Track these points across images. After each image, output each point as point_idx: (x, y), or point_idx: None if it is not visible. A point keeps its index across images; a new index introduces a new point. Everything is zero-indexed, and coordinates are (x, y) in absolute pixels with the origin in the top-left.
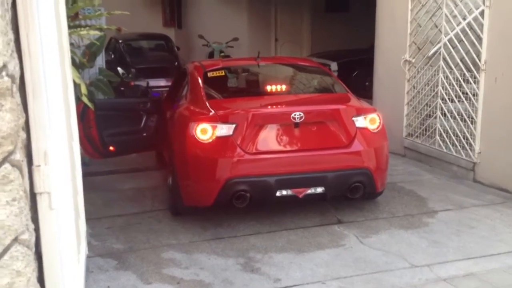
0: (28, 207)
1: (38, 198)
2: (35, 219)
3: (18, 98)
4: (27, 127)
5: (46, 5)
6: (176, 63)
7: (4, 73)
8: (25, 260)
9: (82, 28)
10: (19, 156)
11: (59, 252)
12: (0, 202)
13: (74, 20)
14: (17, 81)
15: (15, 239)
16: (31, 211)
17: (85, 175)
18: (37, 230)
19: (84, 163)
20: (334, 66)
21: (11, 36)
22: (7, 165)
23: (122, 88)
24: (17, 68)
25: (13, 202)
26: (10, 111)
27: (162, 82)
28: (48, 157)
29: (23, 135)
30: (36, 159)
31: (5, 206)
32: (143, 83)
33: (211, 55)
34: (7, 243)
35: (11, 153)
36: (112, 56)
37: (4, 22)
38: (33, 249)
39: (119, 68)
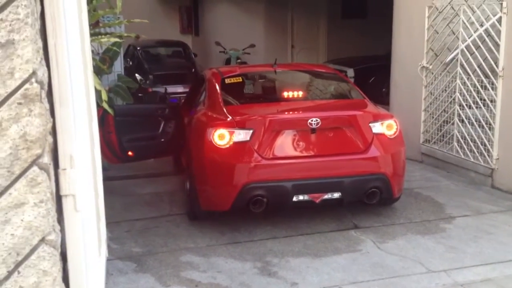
0: (54, 209)
1: (64, 200)
2: (59, 221)
3: (46, 104)
4: (53, 132)
5: (72, 14)
6: (193, 69)
7: (33, 80)
8: (51, 260)
9: (103, 36)
10: (46, 159)
11: (84, 253)
12: (28, 203)
13: (95, 27)
14: (46, 87)
15: (42, 240)
16: (57, 213)
17: (104, 179)
18: (61, 231)
19: (103, 168)
20: (350, 72)
21: (40, 44)
22: (35, 168)
23: (140, 95)
24: (46, 75)
25: (40, 204)
26: (39, 116)
27: (179, 89)
28: (74, 160)
29: (50, 139)
30: (62, 163)
31: (33, 207)
32: (161, 89)
33: (228, 62)
34: (35, 244)
35: (39, 156)
36: (131, 63)
37: (34, 31)
38: (59, 250)
39: (137, 75)
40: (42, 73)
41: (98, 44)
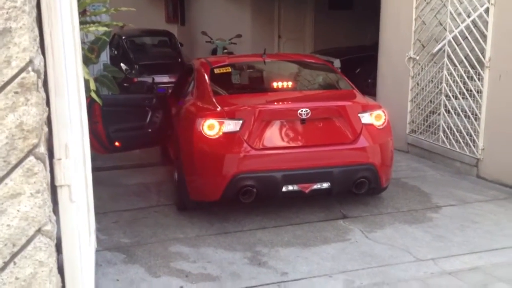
0: (50, 199)
1: (59, 190)
2: (54, 211)
3: (43, 93)
4: (48, 121)
5: (65, 3)
6: (179, 59)
7: (30, 68)
8: (47, 250)
9: (90, 25)
10: (43, 149)
11: (79, 243)
12: (25, 194)
13: (82, 16)
14: (42, 76)
15: (39, 230)
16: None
17: (91, 170)
18: (56, 222)
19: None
20: (337, 63)
21: (36, 32)
22: (31, 158)
23: (125, 84)
24: (42, 63)
25: (37, 194)
26: (35, 105)
27: (165, 79)
28: (69, 150)
29: (46, 129)
30: (57, 153)
31: (29, 198)
32: (147, 79)
33: (214, 52)
34: (31, 234)
35: (35, 146)
36: (115, 52)
37: (31, 19)
38: (55, 241)
39: (122, 64)
40: (38, 61)
41: (84, 33)
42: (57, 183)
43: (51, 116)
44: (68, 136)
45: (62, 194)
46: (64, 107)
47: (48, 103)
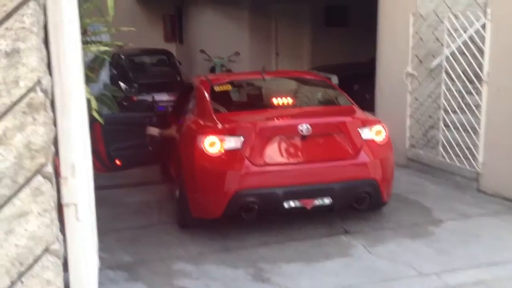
0: (57, 218)
1: (65, 209)
2: (61, 230)
3: (50, 113)
4: (55, 141)
5: (72, 23)
6: (178, 77)
7: (38, 88)
8: (55, 270)
9: (92, 44)
10: (50, 168)
11: (85, 262)
12: (32, 213)
13: (83, 36)
14: (50, 96)
15: (46, 249)
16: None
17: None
18: (63, 241)
19: None
20: (334, 79)
21: (44, 53)
22: (39, 177)
23: (125, 103)
24: (50, 83)
25: (44, 213)
26: (43, 125)
27: (164, 97)
28: (75, 169)
29: (53, 148)
30: (64, 172)
31: (36, 217)
32: (147, 97)
33: (212, 70)
34: (38, 253)
35: (43, 165)
36: (115, 72)
37: (39, 39)
38: (62, 260)
39: (121, 83)
40: (46, 81)
41: (85, 53)
42: (64, 201)
43: (58, 135)
44: (75, 155)
45: (69, 213)
46: (71, 126)
47: (55, 123)
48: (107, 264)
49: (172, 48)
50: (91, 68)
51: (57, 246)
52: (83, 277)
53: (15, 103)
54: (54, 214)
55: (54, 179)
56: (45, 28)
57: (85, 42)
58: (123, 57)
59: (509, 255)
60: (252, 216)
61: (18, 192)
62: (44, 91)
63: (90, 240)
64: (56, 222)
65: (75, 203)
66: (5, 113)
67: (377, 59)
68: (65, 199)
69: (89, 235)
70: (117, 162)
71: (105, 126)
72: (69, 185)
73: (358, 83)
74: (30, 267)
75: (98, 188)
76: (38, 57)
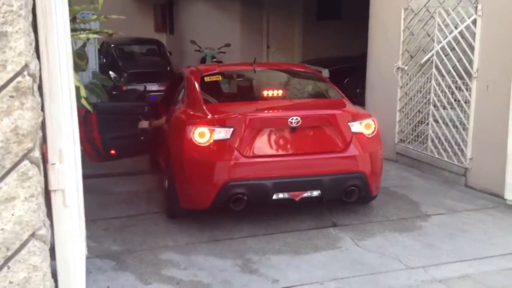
0: (44, 204)
1: (53, 195)
2: (48, 216)
3: (38, 97)
4: (42, 126)
5: (61, 8)
6: (168, 68)
7: (26, 73)
8: (41, 255)
9: (81, 32)
10: (37, 153)
11: (73, 249)
12: (19, 198)
13: (72, 23)
14: (37, 80)
15: (33, 235)
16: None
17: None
18: (50, 226)
19: None
20: (325, 73)
21: (32, 37)
22: (26, 162)
23: (114, 92)
24: (37, 68)
25: (31, 198)
26: (30, 110)
27: (154, 87)
28: (63, 155)
29: (40, 133)
30: (51, 158)
31: (23, 202)
32: (137, 87)
33: (203, 61)
34: (25, 238)
35: (30, 150)
36: (104, 60)
37: (27, 23)
38: (49, 245)
39: (111, 72)
40: (34, 66)
41: (74, 40)
42: (51, 187)
43: (45, 121)
44: (62, 141)
45: (56, 199)
46: (58, 112)
47: (42, 108)
48: (95, 252)
49: (162, 38)
50: (80, 56)
51: (43, 232)
52: (70, 264)
53: (2, 87)
54: (41, 199)
55: (41, 165)
56: (34, 12)
57: (74, 30)
58: (112, 46)
59: (496, 250)
60: (241, 207)
61: (5, 176)
62: (32, 76)
63: (78, 227)
64: (43, 208)
65: (63, 189)
66: None
67: (368, 53)
68: (52, 185)
69: (76, 222)
70: (112, 151)
71: (99, 115)
72: (57, 171)
73: (350, 77)
74: (17, 252)
75: (87, 177)
76: (25, 41)
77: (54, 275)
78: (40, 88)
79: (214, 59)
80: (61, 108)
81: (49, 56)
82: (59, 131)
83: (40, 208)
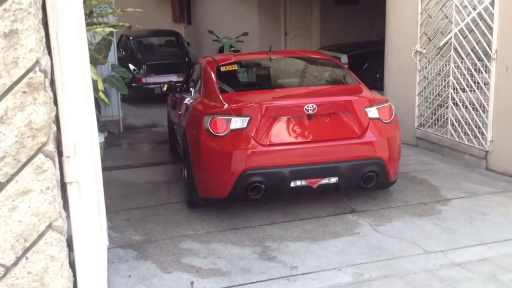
0: (60, 196)
1: (68, 187)
2: (64, 208)
3: (50, 92)
4: (56, 120)
5: (71, 4)
6: (186, 58)
7: (37, 69)
8: (58, 245)
9: (97, 26)
10: (51, 147)
11: (88, 238)
12: (35, 190)
13: (89, 17)
14: (49, 76)
15: (49, 226)
16: (62, 200)
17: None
18: (67, 218)
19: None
20: (344, 58)
21: (42, 33)
22: (41, 156)
23: (134, 84)
24: (49, 64)
25: (47, 191)
26: (43, 104)
27: (173, 78)
28: (77, 148)
29: (54, 127)
30: (66, 151)
31: (39, 194)
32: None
33: (221, 50)
34: (42, 230)
35: (44, 144)
36: (123, 53)
37: (37, 20)
38: (66, 236)
39: (130, 65)
40: (45, 62)
41: (92, 34)
42: (66, 180)
43: (59, 115)
44: (76, 134)
45: (71, 191)
46: (72, 106)
47: (56, 103)
48: (117, 243)
49: (180, 29)
50: (98, 50)
51: (60, 223)
52: (88, 254)
53: (15, 83)
54: (57, 192)
55: (56, 158)
56: (44, 9)
57: (91, 24)
58: (131, 38)
59: None
60: (259, 195)
61: (21, 170)
62: (43, 71)
63: (95, 219)
64: (59, 199)
65: (78, 181)
66: (6, 93)
67: (386, 38)
68: (67, 177)
69: (93, 213)
70: None
71: None
72: (71, 164)
73: (368, 62)
74: (34, 243)
75: (109, 168)
76: (36, 37)
77: (73, 265)
78: (52, 83)
79: (232, 49)
80: (74, 102)
81: (60, 51)
82: (73, 124)
83: (55, 200)
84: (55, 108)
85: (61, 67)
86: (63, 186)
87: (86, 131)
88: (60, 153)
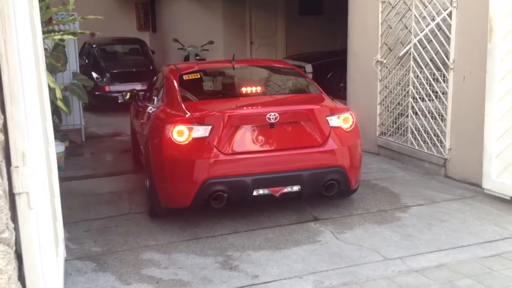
0: (7, 206)
1: (17, 198)
2: (13, 219)
3: None
4: (4, 129)
5: (22, 10)
6: (151, 67)
7: None
8: (6, 258)
9: (56, 33)
10: None
11: (39, 250)
12: None
13: (48, 25)
14: None
15: None
16: (10, 211)
17: (61, 180)
18: (16, 230)
19: (59, 168)
20: (309, 68)
21: None
22: None
23: (97, 93)
24: None
25: None
26: None
27: (137, 86)
28: (26, 158)
29: (1, 136)
30: (14, 160)
31: None
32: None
33: (186, 59)
34: None
35: None
36: (86, 61)
37: None
38: (14, 248)
39: (93, 73)
40: None
41: (51, 42)
42: (15, 190)
43: (7, 123)
44: (25, 143)
45: (20, 202)
46: (21, 114)
47: (4, 111)
48: (75, 254)
49: (145, 37)
50: (56, 57)
51: (7, 234)
52: (38, 267)
53: None
54: (4, 202)
55: (4, 168)
56: None
57: (51, 31)
58: (94, 46)
59: (472, 239)
60: (221, 204)
61: None
62: None
63: (47, 230)
64: (6, 211)
65: (27, 191)
66: None
67: (348, 48)
68: (16, 188)
69: (45, 225)
70: None
71: None
72: (20, 174)
73: (333, 71)
74: None
75: (68, 179)
76: None
77: (23, 278)
78: (0, 90)
79: (198, 57)
80: (23, 111)
81: (8, 58)
82: (22, 133)
83: (2, 211)
84: (2, 117)
85: (9, 75)
86: (11, 196)
87: (38, 140)
88: (9, 163)
